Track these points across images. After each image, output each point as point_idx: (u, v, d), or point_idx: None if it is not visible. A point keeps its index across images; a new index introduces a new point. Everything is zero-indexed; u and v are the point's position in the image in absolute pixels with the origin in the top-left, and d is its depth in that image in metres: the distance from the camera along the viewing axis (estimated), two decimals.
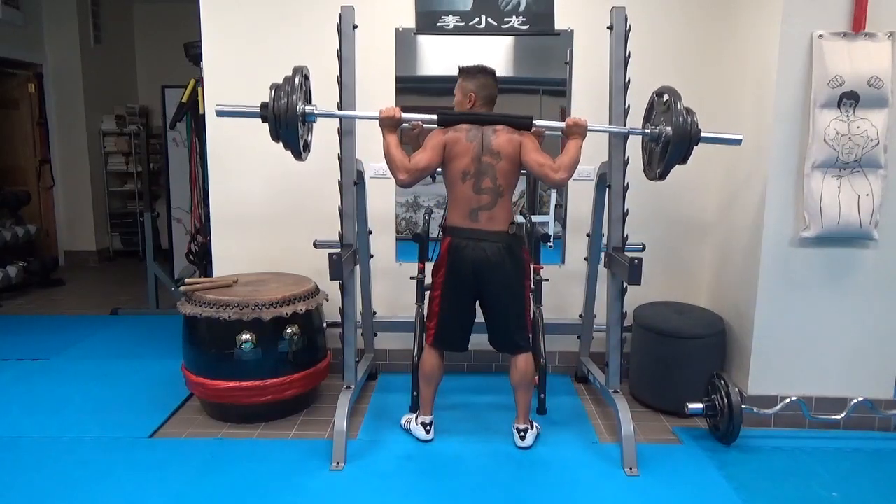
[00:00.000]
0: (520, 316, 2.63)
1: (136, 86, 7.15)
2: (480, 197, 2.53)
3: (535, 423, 2.76)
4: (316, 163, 2.82)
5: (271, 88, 2.43)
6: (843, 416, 2.75)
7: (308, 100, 2.60)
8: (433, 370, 2.71)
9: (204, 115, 3.38)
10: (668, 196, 3.35)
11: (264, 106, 2.41)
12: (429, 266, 3.18)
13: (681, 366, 2.97)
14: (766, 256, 2.81)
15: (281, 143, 2.49)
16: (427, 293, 3.16)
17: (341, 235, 2.73)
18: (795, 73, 2.68)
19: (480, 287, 2.56)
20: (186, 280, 3.08)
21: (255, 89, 3.22)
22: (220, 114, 2.54)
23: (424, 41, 3.29)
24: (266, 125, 2.44)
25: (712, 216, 3.37)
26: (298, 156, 2.57)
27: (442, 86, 3.35)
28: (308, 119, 2.55)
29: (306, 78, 2.57)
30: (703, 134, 2.47)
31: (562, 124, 2.56)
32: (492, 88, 2.62)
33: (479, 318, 2.66)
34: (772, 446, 2.75)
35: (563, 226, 3.45)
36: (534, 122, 2.56)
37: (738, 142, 2.61)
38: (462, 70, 2.66)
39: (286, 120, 2.39)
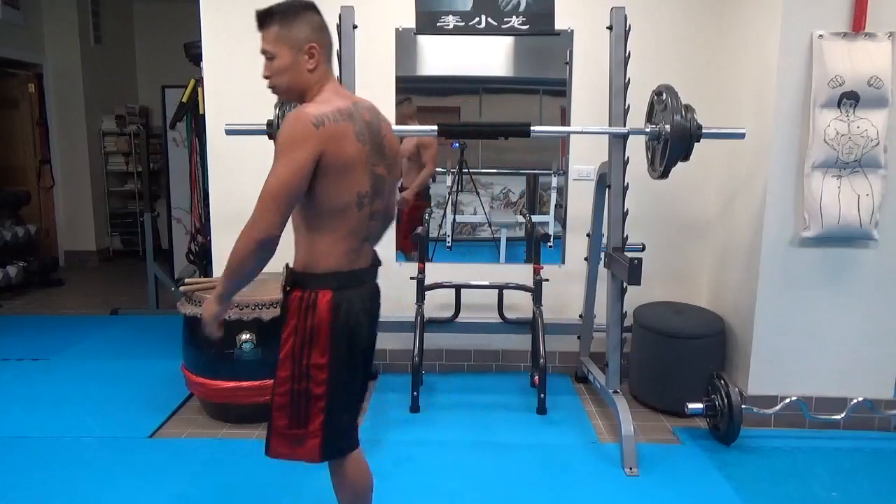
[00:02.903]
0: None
1: (136, 86, 7.15)
2: (371, 224, 1.75)
3: None
4: None
5: (276, 107, 2.50)
6: (842, 415, 2.75)
7: None
8: (359, 484, 1.86)
9: (204, 115, 3.38)
10: (668, 196, 3.35)
11: (269, 124, 2.49)
12: (429, 266, 3.20)
13: (681, 366, 2.97)
14: (766, 256, 2.81)
15: None
16: (426, 294, 3.17)
17: None
18: (795, 73, 2.68)
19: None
20: (186, 280, 3.08)
21: (255, 90, 3.22)
22: (229, 132, 2.63)
23: (424, 41, 3.29)
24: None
25: (712, 216, 3.37)
26: None
27: (442, 86, 3.37)
28: None
29: None
30: (704, 130, 2.48)
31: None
32: (328, 31, 1.67)
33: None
34: (772, 446, 2.75)
35: (563, 226, 3.45)
36: (532, 128, 2.56)
37: (742, 135, 2.61)
38: (269, 14, 1.63)
39: None
